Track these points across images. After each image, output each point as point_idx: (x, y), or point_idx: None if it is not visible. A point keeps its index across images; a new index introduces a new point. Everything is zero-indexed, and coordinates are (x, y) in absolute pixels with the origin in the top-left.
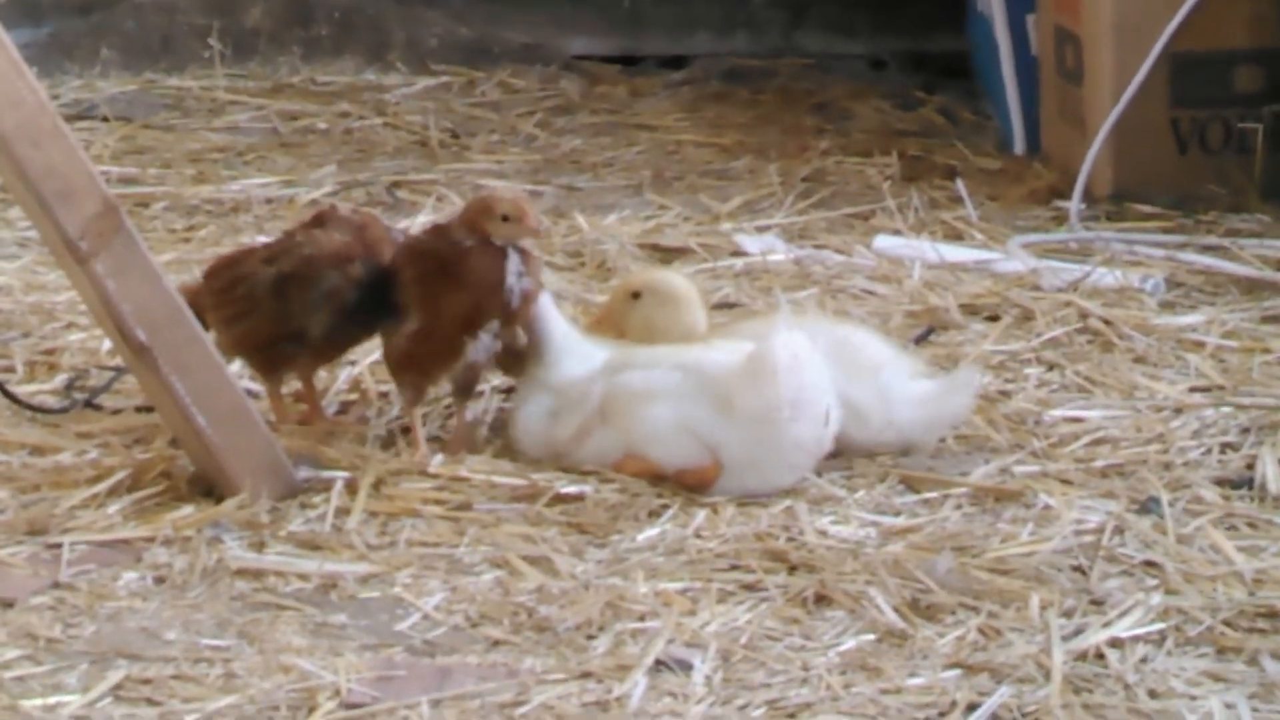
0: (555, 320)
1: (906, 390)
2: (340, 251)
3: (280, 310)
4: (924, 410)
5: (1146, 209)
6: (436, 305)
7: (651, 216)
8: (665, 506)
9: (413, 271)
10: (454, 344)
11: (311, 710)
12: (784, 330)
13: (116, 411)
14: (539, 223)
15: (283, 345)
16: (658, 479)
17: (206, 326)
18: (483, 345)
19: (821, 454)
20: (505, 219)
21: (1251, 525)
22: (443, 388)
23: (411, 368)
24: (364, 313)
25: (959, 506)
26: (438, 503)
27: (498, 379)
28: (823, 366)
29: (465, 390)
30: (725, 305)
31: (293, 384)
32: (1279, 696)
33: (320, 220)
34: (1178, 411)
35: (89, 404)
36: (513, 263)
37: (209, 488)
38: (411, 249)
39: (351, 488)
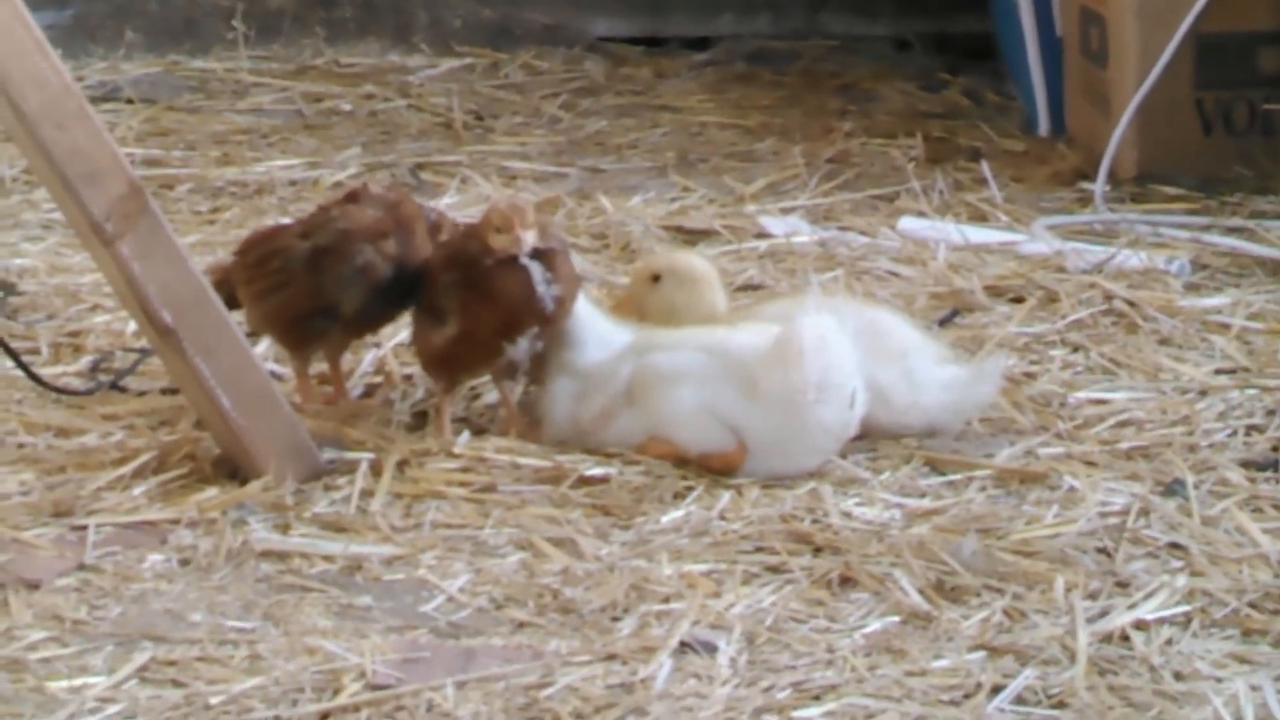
0: (580, 304)
1: (933, 375)
2: (374, 227)
3: (314, 284)
4: (950, 396)
5: (1171, 191)
6: (475, 314)
7: (676, 198)
8: (690, 488)
9: (451, 277)
10: (493, 348)
11: (336, 692)
12: (810, 312)
13: (142, 393)
14: (522, 237)
15: (315, 320)
16: (681, 461)
17: (238, 303)
18: (522, 347)
19: (847, 437)
20: (498, 231)
21: (1277, 507)
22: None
23: (449, 366)
24: (396, 290)
25: (984, 488)
26: (462, 484)
27: None
28: (849, 349)
29: (507, 375)
30: (749, 287)
31: (318, 366)
32: None
33: (354, 197)
34: (1203, 394)
35: (114, 386)
36: (536, 273)
37: (234, 470)
38: (449, 254)
39: (376, 469)
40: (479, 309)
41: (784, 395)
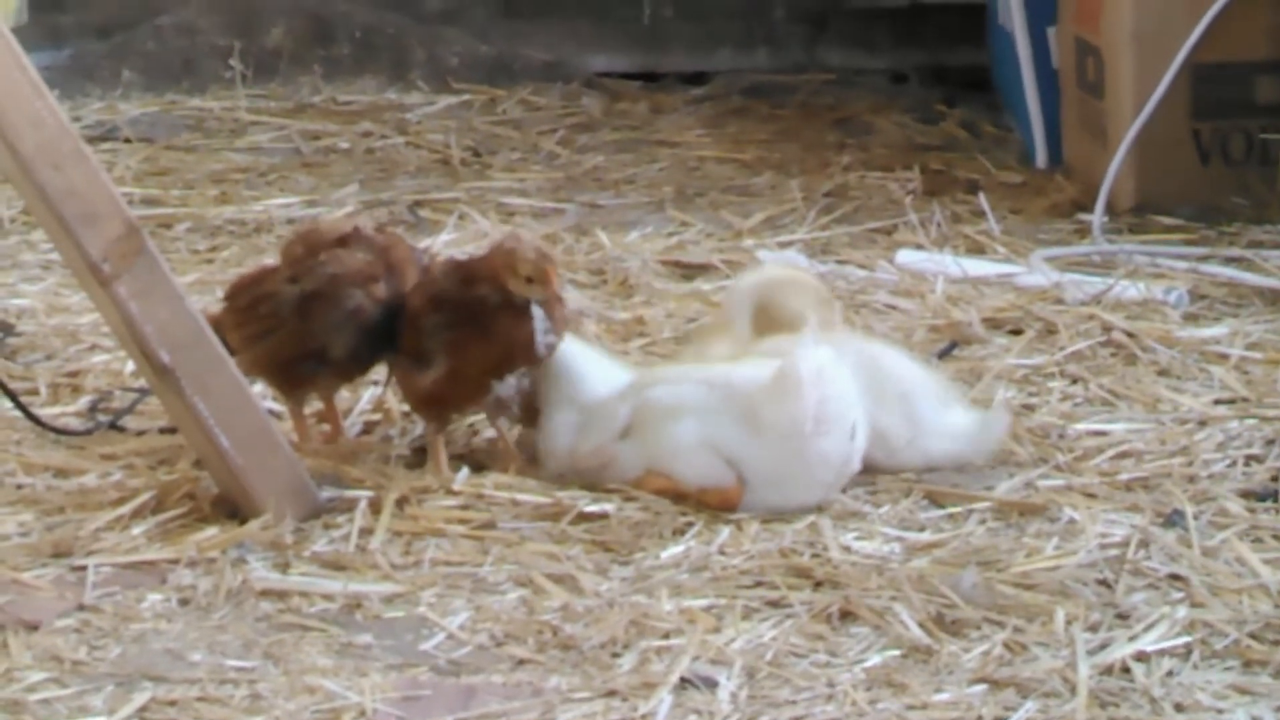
0: (571, 345)
1: (938, 422)
2: (364, 271)
3: (303, 329)
4: (953, 445)
5: (1169, 221)
6: (464, 354)
7: (674, 233)
8: (689, 524)
9: (438, 319)
10: (480, 387)
11: None
12: (809, 346)
13: (140, 433)
14: (561, 288)
15: (305, 364)
16: (680, 497)
17: (229, 348)
18: (509, 384)
19: (849, 472)
20: (529, 280)
21: (1277, 537)
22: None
23: (436, 406)
24: (387, 333)
25: (983, 521)
26: (461, 522)
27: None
28: (849, 383)
29: (500, 411)
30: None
31: (315, 404)
32: None
33: (344, 240)
34: (1202, 424)
35: (113, 426)
36: (539, 321)
37: (233, 509)
38: (434, 296)
39: (375, 507)
40: (471, 348)
41: (783, 429)
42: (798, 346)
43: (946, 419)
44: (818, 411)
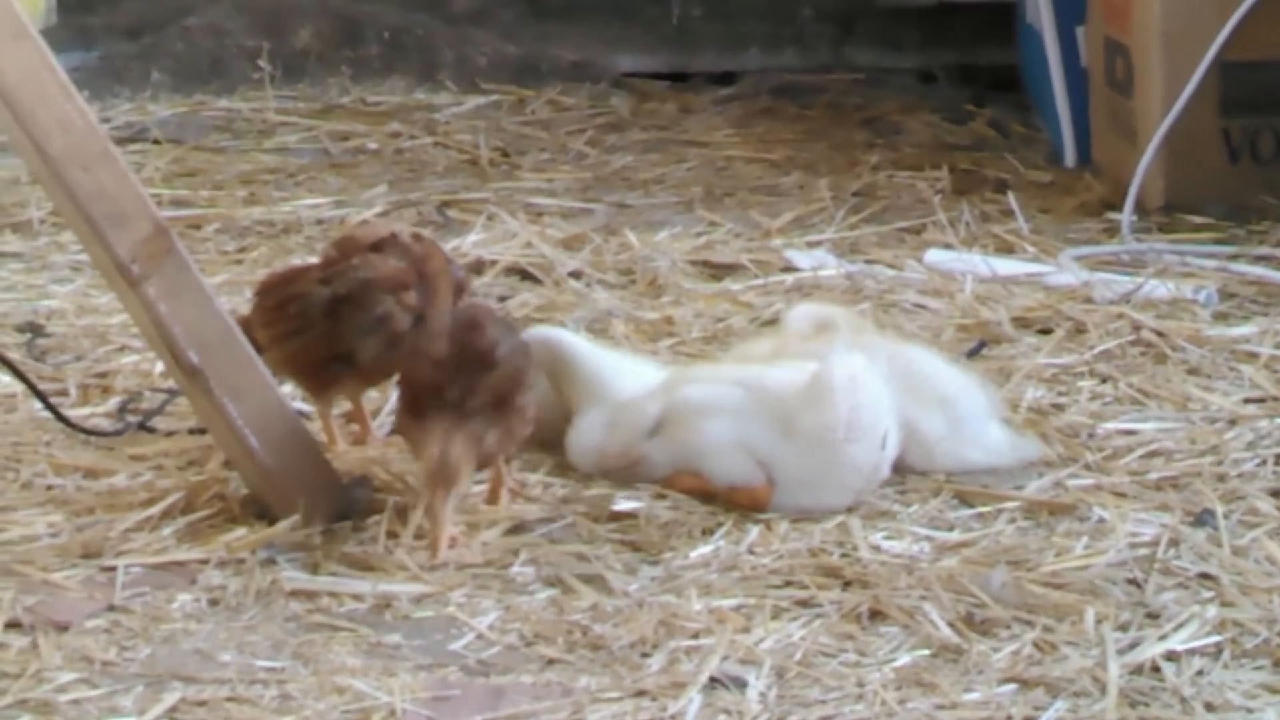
0: (587, 350)
1: (977, 432)
2: (396, 277)
3: (332, 331)
4: (987, 457)
5: (1198, 220)
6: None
7: (702, 233)
8: (719, 524)
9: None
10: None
11: None
12: (842, 352)
13: (170, 434)
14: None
15: (332, 366)
16: (708, 496)
17: (256, 345)
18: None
19: (878, 479)
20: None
21: None
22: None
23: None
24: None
25: (1013, 520)
26: (491, 522)
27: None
28: (883, 390)
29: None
30: (777, 321)
31: (344, 404)
32: None
33: (379, 245)
34: (1232, 423)
35: (142, 427)
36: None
37: (262, 509)
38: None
39: (404, 508)
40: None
41: (816, 434)
42: (832, 352)
43: (985, 430)
44: (850, 418)
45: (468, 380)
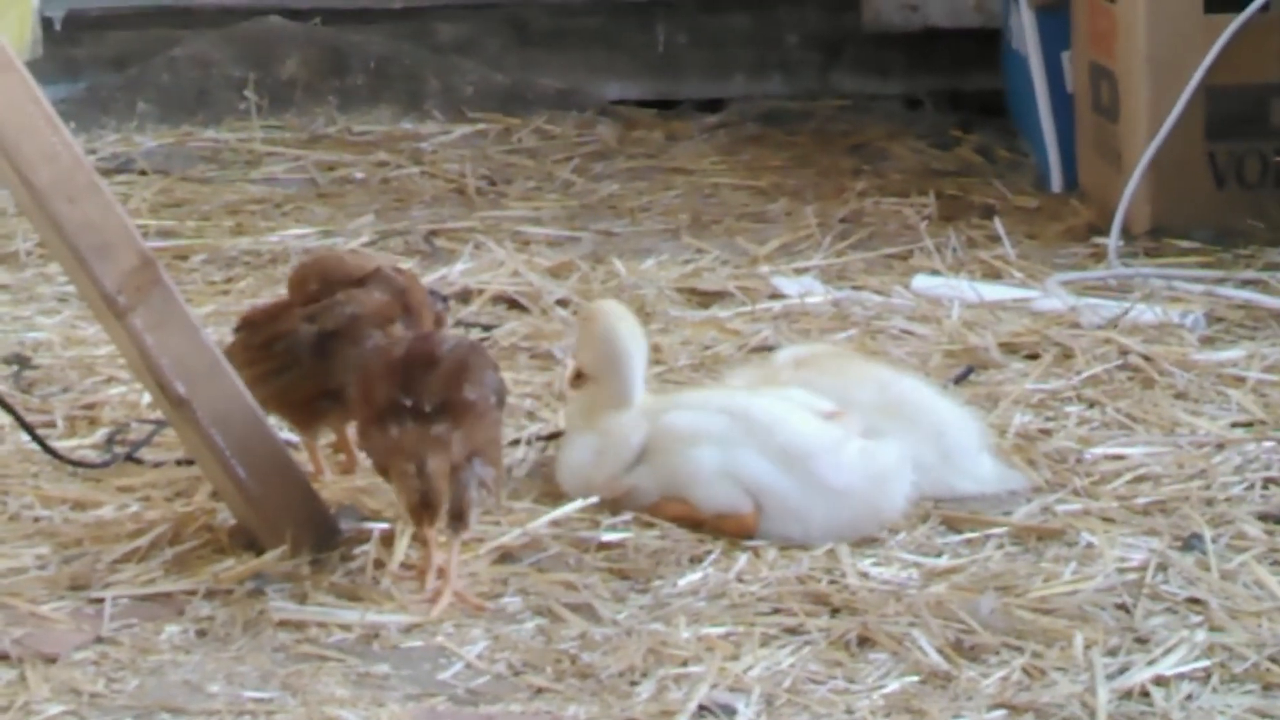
0: (613, 361)
1: (968, 463)
2: (382, 311)
3: (320, 368)
4: (977, 488)
5: (1185, 244)
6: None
7: (689, 260)
8: (707, 551)
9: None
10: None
11: None
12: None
13: (157, 465)
14: None
15: (319, 402)
16: (696, 523)
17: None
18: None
19: (878, 519)
20: None
21: None
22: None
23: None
24: None
25: (1001, 546)
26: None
27: (535, 426)
28: (893, 441)
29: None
30: (764, 348)
31: (330, 435)
32: None
33: (362, 280)
34: (1219, 447)
35: (129, 458)
36: None
37: (250, 540)
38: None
39: (389, 538)
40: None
41: (811, 477)
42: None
43: (976, 462)
44: (850, 463)
45: (417, 380)
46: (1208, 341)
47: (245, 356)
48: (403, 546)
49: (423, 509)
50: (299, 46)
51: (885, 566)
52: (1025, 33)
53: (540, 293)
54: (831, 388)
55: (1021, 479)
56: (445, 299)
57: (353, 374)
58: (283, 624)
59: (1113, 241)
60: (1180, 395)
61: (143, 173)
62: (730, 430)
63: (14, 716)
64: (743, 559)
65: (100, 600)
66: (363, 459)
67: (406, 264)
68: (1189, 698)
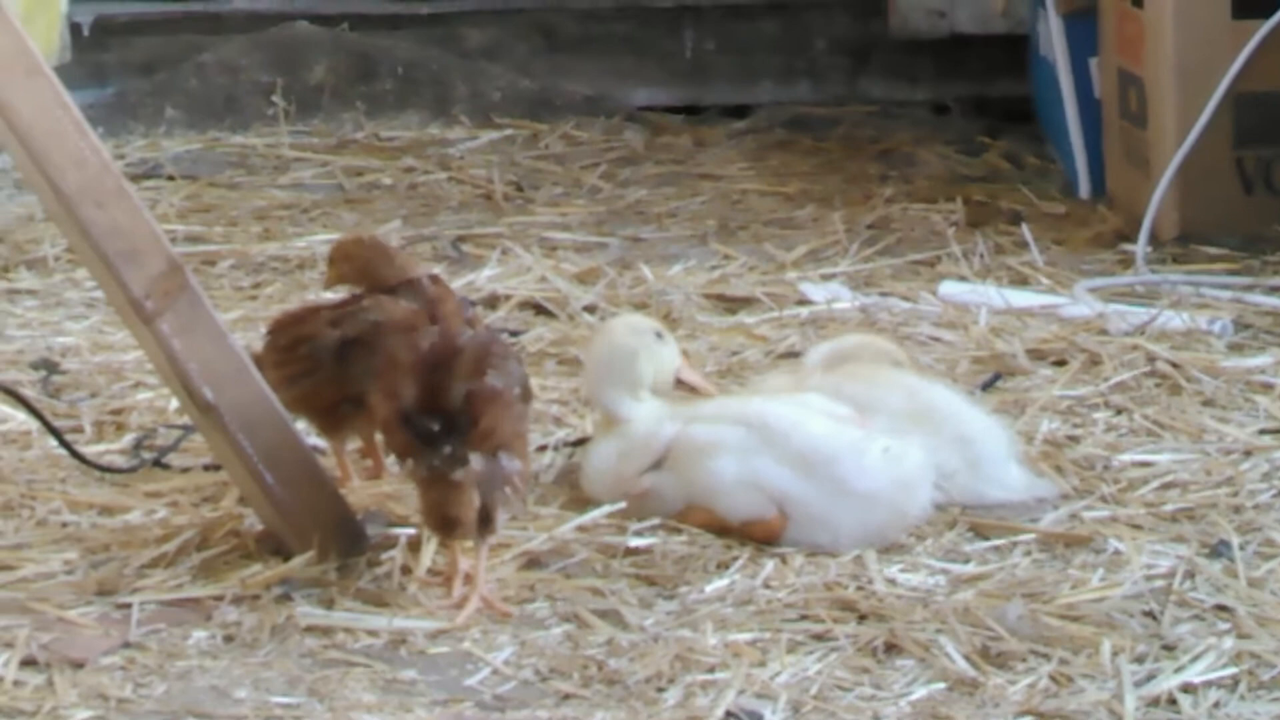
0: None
1: (996, 472)
2: (407, 320)
3: (341, 373)
4: (1006, 496)
5: (1213, 251)
6: None
7: (717, 266)
8: (734, 557)
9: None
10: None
11: None
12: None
13: (185, 470)
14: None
15: (342, 406)
16: (723, 530)
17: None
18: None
19: (903, 524)
20: None
21: None
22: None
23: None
24: None
25: (1028, 553)
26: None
27: (562, 432)
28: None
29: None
30: (791, 354)
31: (357, 440)
32: None
33: (396, 288)
34: (1247, 454)
35: (157, 463)
36: None
37: (277, 545)
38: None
39: (416, 544)
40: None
41: (836, 484)
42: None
43: (1005, 470)
44: (874, 465)
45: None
46: (1235, 348)
47: (271, 359)
48: (429, 552)
49: (446, 530)
50: (327, 52)
51: (912, 573)
52: (1053, 39)
53: (568, 298)
54: (859, 394)
55: (1050, 486)
56: (473, 304)
57: (377, 373)
58: (310, 629)
59: (1140, 248)
60: (1208, 402)
61: (170, 178)
62: (748, 439)
63: None
64: (770, 565)
65: (128, 605)
66: (389, 464)
67: (434, 269)
68: (1217, 705)
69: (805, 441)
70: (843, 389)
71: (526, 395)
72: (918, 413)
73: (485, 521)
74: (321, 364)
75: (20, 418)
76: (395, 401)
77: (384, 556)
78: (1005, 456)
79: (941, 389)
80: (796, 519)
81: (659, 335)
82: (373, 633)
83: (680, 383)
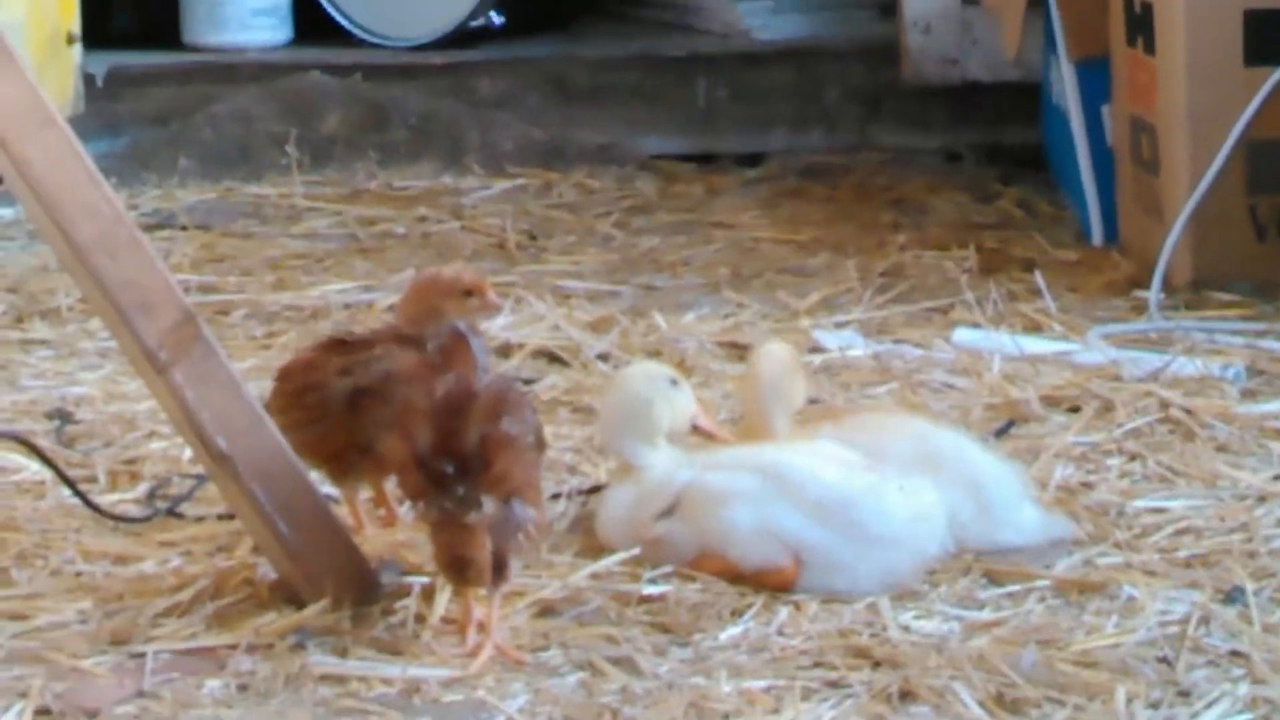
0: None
1: (1009, 516)
2: (417, 371)
3: (351, 422)
4: (1021, 539)
5: (1226, 297)
6: None
7: (730, 314)
8: (748, 605)
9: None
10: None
11: None
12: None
13: (199, 519)
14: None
15: (350, 454)
16: (737, 577)
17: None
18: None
19: (916, 569)
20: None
21: None
22: None
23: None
24: None
25: (1043, 599)
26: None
27: (576, 480)
28: (925, 479)
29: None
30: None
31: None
32: None
33: (403, 338)
34: (1261, 500)
35: (171, 512)
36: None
37: (291, 594)
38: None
39: (430, 592)
40: None
41: (852, 530)
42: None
43: (1018, 513)
44: (893, 507)
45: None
46: (1249, 394)
47: (279, 404)
48: (443, 600)
49: (460, 578)
50: (340, 102)
51: (926, 619)
52: (1065, 86)
53: (580, 347)
54: (868, 443)
55: (1066, 525)
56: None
57: (391, 420)
58: (324, 678)
59: (1154, 295)
60: (1221, 448)
61: (184, 228)
62: (762, 488)
63: None
64: (784, 612)
65: (142, 655)
66: (403, 512)
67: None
68: None
69: (821, 488)
70: (852, 439)
71: (540, 444)
72: (927, 458)
73: (499, 569)
74: (330, 412)
75: (34, 467)
76: (410, 444)
77: (398, 605)
78: (1018, 499)
79: (950, 434)
80: (813, 566)
81: (674, 382)
82: (387, 681)
83: (697, 429)
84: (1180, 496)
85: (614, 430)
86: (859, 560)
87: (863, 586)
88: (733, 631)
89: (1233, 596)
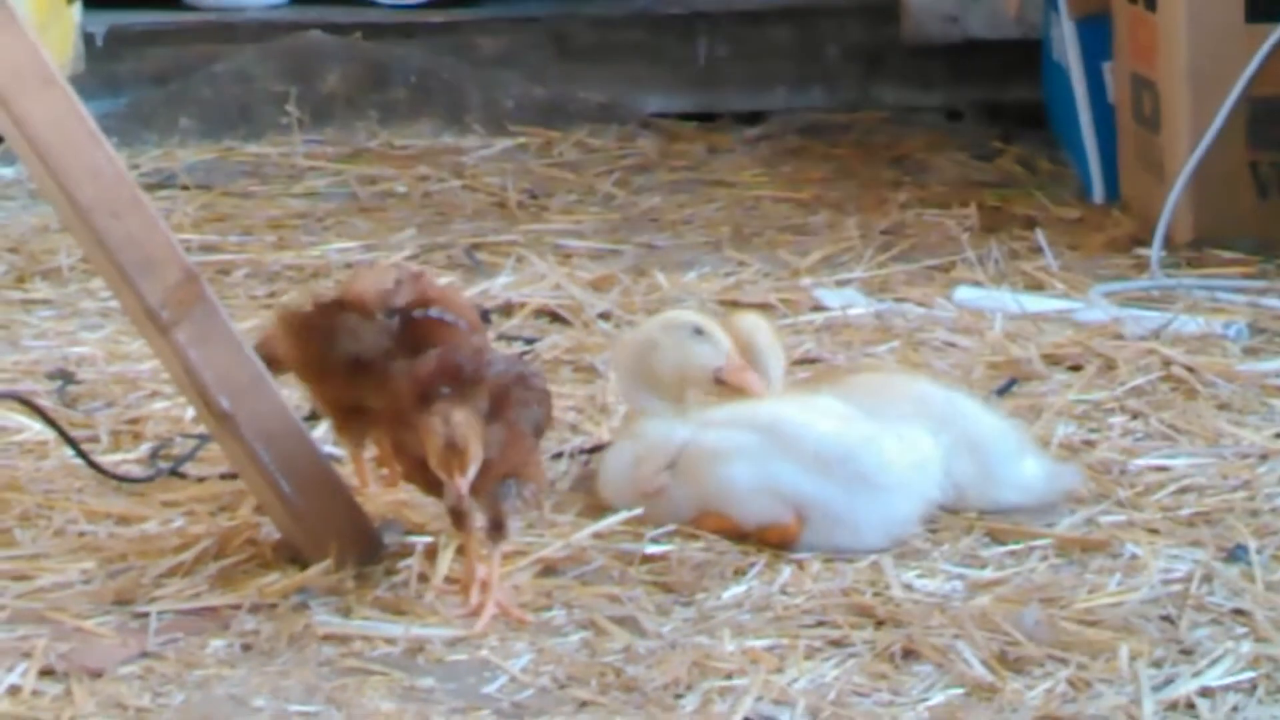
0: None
1: (1010, 473)
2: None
3: (353, 383)
4: (1024, 497)
5: (1227, 255)
6: None
7: (731, 273)
8: (751, 564)
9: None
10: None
11: None
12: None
13: (201, 479)
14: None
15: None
16: (739, 535)
17: (273, 363)
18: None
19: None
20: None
21: None
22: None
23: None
24: None
25: (1045, 558)
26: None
27: (578, 439)
28: (927, 433)
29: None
30: (807, 360)
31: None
32: None
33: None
34: (1263, 458)
35: (174, 472)
36: None
37: (294, 554)
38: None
39: (433, 552)
40: None
41: (854, 483)
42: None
43: (1019, 470)
44: (893, 456)
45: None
46: (1250, 352)
47: (293, 351)
48: (446, 560)
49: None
50: (340, 61)
51: (929, 578)
52: (1066, 44)
53: (582, 306)
54: (868, 400)
55: (1073, 473)
56: (488, 313)
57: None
58: (327, 638)
59: (1155, 252)
60: (1223, 406)
61: (185, 187)
62: (761, 444)
63: None
64: (787, 571)
65: (145, 615)
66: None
67: (448, 278)
68: (1235, 709)
69: (819, 441)
70: (850, 398)
71: (539, 432)
72: (926, 418)
73: (497, 527)
74: (336, 371)
75: (36, 427)
76: (405, 404)
77: (401, 564)
78: (1018, 455)
79: (949, 393)
80: (815, 521)
81: (699, 331)
82: (390, 640)
83: (721, 381)
84: (1182, 455)
85: (620, 373)
86: (861, 511)
87: (865, 538)
88: (735, 590)
89: (1235, 554)
